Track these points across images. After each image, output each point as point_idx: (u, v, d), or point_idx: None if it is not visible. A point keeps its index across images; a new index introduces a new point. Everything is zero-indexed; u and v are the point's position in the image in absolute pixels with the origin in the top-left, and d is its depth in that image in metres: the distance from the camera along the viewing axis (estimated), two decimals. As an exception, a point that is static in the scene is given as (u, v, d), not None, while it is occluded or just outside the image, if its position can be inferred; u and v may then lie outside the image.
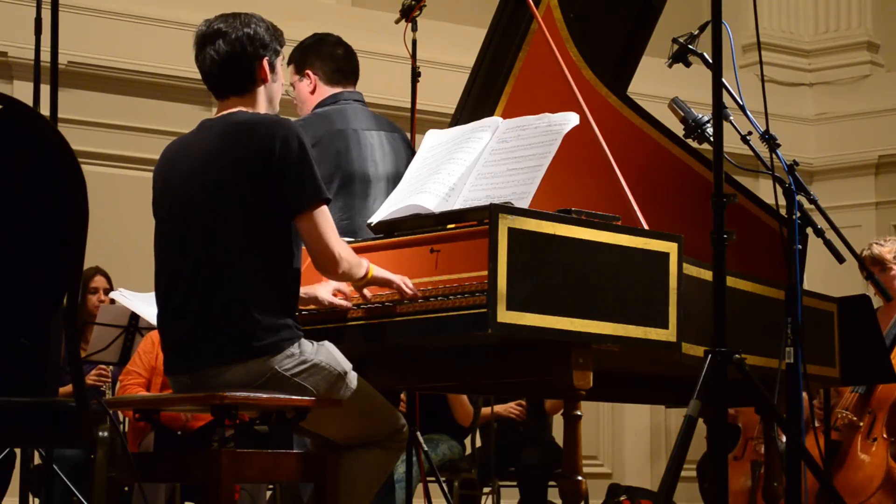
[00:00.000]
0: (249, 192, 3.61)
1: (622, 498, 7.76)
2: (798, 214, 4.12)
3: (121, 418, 5.97)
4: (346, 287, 3.88)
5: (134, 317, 6.13)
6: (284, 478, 3.85)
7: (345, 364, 3.71)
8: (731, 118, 4.07)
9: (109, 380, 6.32)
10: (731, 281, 3.99)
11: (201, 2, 7.39)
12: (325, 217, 3.64)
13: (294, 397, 3.58)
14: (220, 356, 3.60)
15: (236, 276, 3.60)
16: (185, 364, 3.66)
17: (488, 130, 3.97)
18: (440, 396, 6.35)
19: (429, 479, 5.93)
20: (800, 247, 4.10)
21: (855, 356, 4.86)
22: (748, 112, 4.29)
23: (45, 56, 4.70)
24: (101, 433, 2.83)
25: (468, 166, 3.89)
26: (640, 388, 4.71)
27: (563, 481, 3.70)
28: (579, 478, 3.69)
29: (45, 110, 4.61)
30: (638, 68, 4.79)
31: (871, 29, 9.95)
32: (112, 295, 6.12)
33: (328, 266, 3.67)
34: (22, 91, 6.94)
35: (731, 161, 3.99)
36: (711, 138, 4.09)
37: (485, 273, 3.50)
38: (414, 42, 5.09)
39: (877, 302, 5.68)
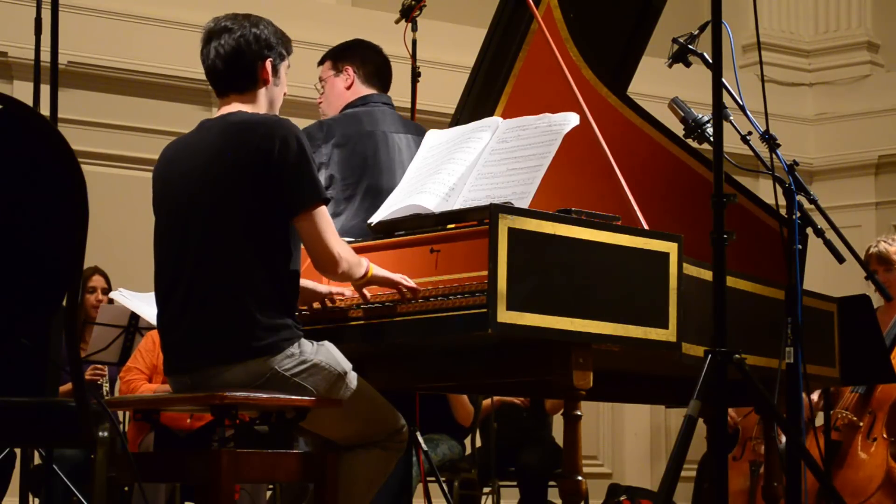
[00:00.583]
0: (249, 193, 3.61)
1: (622, 498, 7.76)
2: (798, 214, 4.11)
3: (121, 418, 5.97)
4: (343, 287, 3.88)
5: (134, 317, 6.13)
6: (284, 478, 3.85)
7: (345, 364, 3.71)
8: (731, 118, 4.07)
9: (105, 375, 6.32)
10: (731, 281, 3.99)
11: (201, 2, 7.41)
12: (324, 217, 3.64)
13: (294, 397, 3.58)
14: (219, 356, 3.60)
15: (236, 276, 3.60)
16: (185, 364, 3.66)
17: (488, 130, 3.97)
18: (440, 396, 6.35)
19: (429, 479, 5.93)
20: (800, 247, 4.10)
21: (855, 356, 4.86)
22: (748, 112, 4.29)
23: (45, 56, 4.70)
24: (101, 433, 2.83)
25: (468, 166, 3.89)
26: (640, 388, 4.71)
27: (563, 481, 3.70)
28: (579, 478, 3.69)
29: (45, 110, 4.61)
30: (638, 68, 4.79)
31: (871, 29, 9.95)
32: (112, 295, 6.12)
33: (328, 266, 3.67)
34: (22, 91, 6.95)
35: (731, 161, 3.99)
36: (711, 138, 4.09)
37: (485, 273, 3.50)
38: (414, 42, 5.09)
39: (876, 301, 5.67)
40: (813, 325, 4.54)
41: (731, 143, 4.03)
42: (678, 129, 4.43)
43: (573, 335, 3.61)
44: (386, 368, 4.12)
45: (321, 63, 4.76)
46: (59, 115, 4.82)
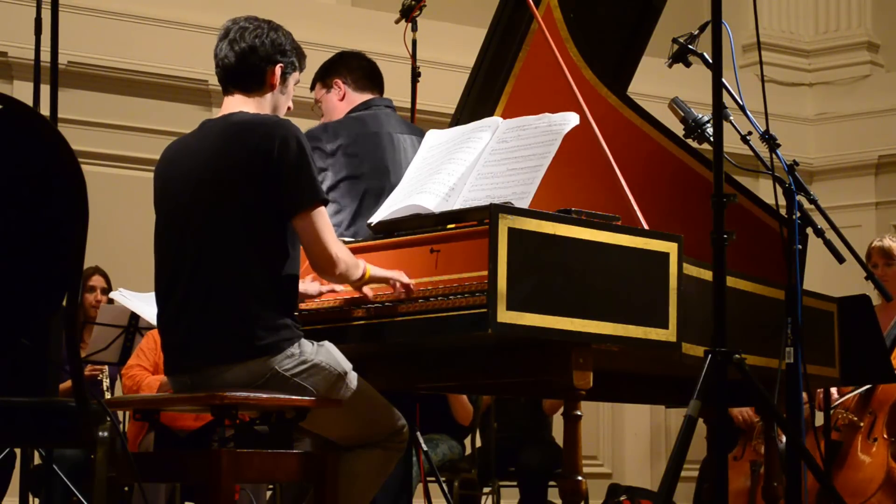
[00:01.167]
0: (249, 193, 3.61)
1: (622, 498, 7.75)
2: (798, 214, 4.11)
3: (120, 418, 5.97)
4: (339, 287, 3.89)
5: (134, 317, 6.13)
6: (284, 478, 3.85)
7: (345, 364, 3.71)
8: (731, 118, 4.07)
9: (105, 370, 6.32)
10: (731, 281, 3.99)
11: (201, 2, 7.41)
12: (322, 218, 3.64)
13: (294, 397, 3.58)
14: (220, 356, 3.60)
15: (236, 275, 3.60)
16: (185, 364, 3.67)
17: (488, 130, 3.97)
18: (440, 396, 6.35)
19: (429, 479, 5.93)
20: (800, 247, 4.10)
21: (855, 356, 4.86)
22: (748, 112, 4.29)
23: (45, 56, 4.71)
24: (101, 433, 2.83)
25: (468, 166, 3.89)
26: (640, 388, 4.71)
27: (563, 481, 3.70)
28: (579, 478, 3.69)
29: (45, 110, 4.62)
30: (638, 68, 4.79)
31: (871, 29, 9.95)
32: (112, 295, 6.12)
33: (325, 267, 3.67)
34: (22, 91, 6.95)
35: (731, 161, 3.99)
36: (711, 138, 4.09)
37: (485, 273, 3.50)
38: (414, 42, 5.10)
39: (875, 299, 5.67)
40: (813, 325, 4.53)
41: (731, 143, 4.03)
42: (678, 129, 4.43)
43: (573, 335, 3.61)
44: (386, 368, 4.12)
45: (312, 88, 4.81)
46: (59, 115, 4.82)
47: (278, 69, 3.79)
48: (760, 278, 4.34)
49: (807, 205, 4.29)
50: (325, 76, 4.81)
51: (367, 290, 3.76)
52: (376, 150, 4.61)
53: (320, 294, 3.93)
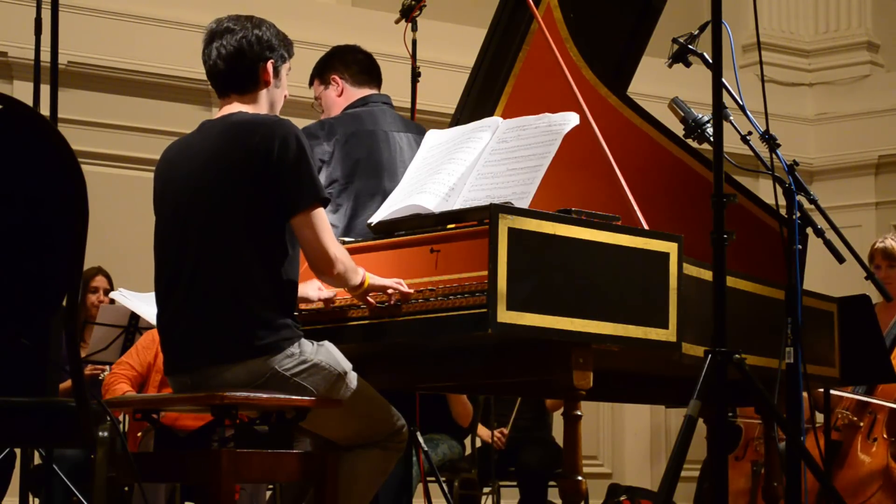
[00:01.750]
0: (248, 192, 3.61)
1: (622, 498, 7.76)
2: (798, 214, 4.11)
3: (120, 419, 5.97)
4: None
5: (134, 317, 6.13)
6: (284, 478, 3.85)
7: (345, 364, 3.71)
8: (731, 118, 4.07)
9: (106, 371, 6.32)
10: (731, 281, 3.99)
11: (201, 2, 7.41)
12: (321, 218, 3.64)
13: (294, 397, 3.58)
14: (220, 355, 3.60)
15: (236, 275, 3.60)
16: (185, 364, 3.66)
17: (488, 130, 3.97)
18: (440, 396, 6.35)
19: (429, 479, 5.93)
20: (800, 247, 4.10)
21: (855, 356, 4.86)
22: (748, 112, 4.29)
23: (45, 56, 4.70)
24: (101, 433, 2.83)
25: (468, 166, 3.89)
26: (640, 388, 4.71)
27: (563, 481, 3.70)
28: (579, 478, 3.69)
29: (45, 110, 4.61)
30: (638, 68, 4.79)
31: (871, 29, 9.95)
32: (112, 295, 6.12)
33: (323, 267, 3.66)
34: (22, 91, 6.95)
35: (731, 161, 3.99)
36: (711, 138, 4.09)
37: (485, 273, 3.50)
38: (414, 42, 5.10)
39: (875, 298, 5.67)
40: (813, 325, 4.53)
41: (731, 143, 4.03)
42: (678, 129, 4.43)
43: (573, 335, 3.61)
44: (386, 368, 4.12)
45: (311, 84, 4.81)
46: (59, 115, 4.82)
47: (270, 66, 3.79)
48: (760, 278, 4.34)
49: (807, 205, 4.29)
50: (322, 72, 4.80)
51: (370, 298, 3.74)
52: (371, 148, 4.60)
53: (319, 300, 3.92)
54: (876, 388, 6.01)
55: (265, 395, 3.54)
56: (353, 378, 3.71)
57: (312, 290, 3.91)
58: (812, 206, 4.35)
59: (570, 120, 3.82)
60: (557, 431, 4.96)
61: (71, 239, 2.78)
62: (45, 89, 4.73)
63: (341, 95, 4.75)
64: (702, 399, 3.65)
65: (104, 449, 2.83)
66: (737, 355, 3.67)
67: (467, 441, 6.75)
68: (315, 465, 3.62)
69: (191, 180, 3.69)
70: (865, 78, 9.84)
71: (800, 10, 10.01)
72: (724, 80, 3.84)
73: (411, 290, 3.67)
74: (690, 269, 3.92)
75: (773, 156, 4.17)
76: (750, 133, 4.30)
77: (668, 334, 3.80)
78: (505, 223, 3.50)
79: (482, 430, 6.71)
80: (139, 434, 5.71)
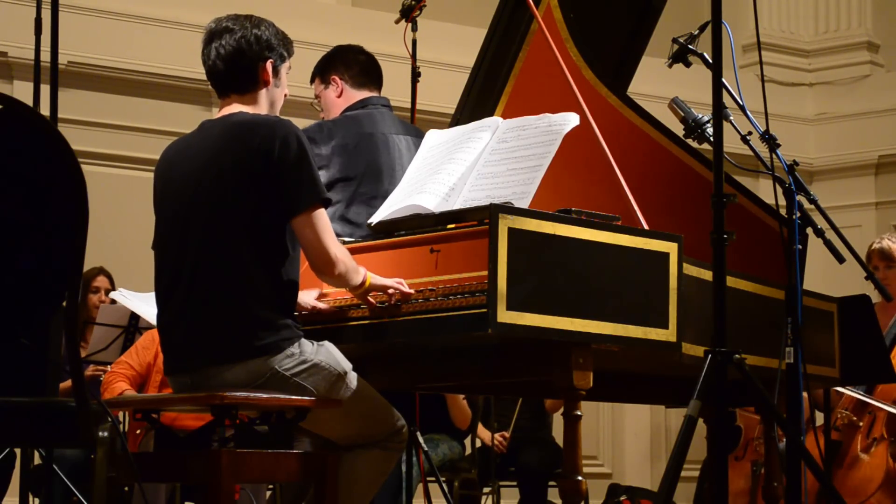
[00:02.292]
0: (249, 192, 3.61)
1: (622, 498, 7.76)
2: (798, 214, 4.11)
3: (121, 419, 5.97)
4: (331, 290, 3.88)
5: (134, 317, 6.13)
6: (284, 478, 3.85)
7: (345, 364, 3.71)
8: (731, 118, 4.07)
9: (106, 371, 6.32)
10: (731, 281, 3.99)
11: (201, 2, 7.41)
12: (322, 218, 3.64)
13: (294, 397, 3.58)
14: (220, 355, 3.60)
15: (236, 275, 3.60)
16: (185, 364, 3.66)
17: (488, 130, 3.97)
18: (440, 396, 6.35)
19: (429, 479, 5.93)
20: (800, 247, 4.10)
21: (855, 356, 4.86)
22: (748, 112, 4.29)
23: (45, 56, 4.70)
24: (101, 433, 2.83)
25: (468, 166, 3.89)
26: (640, 388, 4.71)
27: (563, 481, 3.70)
28: (579, 478, 3.69)
29: (45, 110, 4.62)
30: (638, 68, 4.79)
31: (871, 29, 9.95)
32: (112, 295, 6.12)
33: (324, 267, 3.66)
34: (22, 91, 6.95)
35: (731, 161, 3.99)
36: (711, 138, 4.09)
37: (485, 273, 3.50)
38: (414, 42, 5.10)
39: (874, 298, 5.67)
40: (813, 325, 4.54)
41: (731, 143, 4.03)
42: (678, 129, 4.43)
43: (573, 335, 3.61)
44: (386, 368, 4.12)
45: (312, 82, 4.81)
46: (59, 115, 4.82)
47: (269, 65, 3.79)
48: (760, 278, 4.34)
49: (807, 205, 4.29)
50: (323, 72, 4.80)
51: (371, 298, 3.74)
52: (370, 150, 4.60)
53: (313, 308, 3.91)
54: (876, 388, 6.01)
55: (265, 395, 3.54)
56: (353, 378, 3.71)
57: (308, 298, 3.89)
58: (812, 206, 4.35)
59: (570, 120, 3.82)
60: (557, 431, 4.96)
61: (71, 239, 2.78)
62: (45, 89, 4.73)
63: (340, 96, 4.75)
64: (702, 399, 3.65)
65: (104, 449, 2.83)
66: (737, 355, 3.67)
67: (467, 441, 6.75)
68: (315, 465, 3.62)
69: (191, 180, 3.69)
70: (865, 78, 9.84)
71: (800, 10, 10.00)
72: (724, 80, 3.84)
73: (412, 291, 3.67)
74: (690, 269, 3.92)
75: (773, 156, 4.17)
76: (750, 133, 4.30)
77: (668, 334, 3.80)
78: (505, 223, 3.50)
79: (483, 433, 6.71)
80: (138, 431, 5.71)
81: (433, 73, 6.74)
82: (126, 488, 4.86)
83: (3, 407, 2.83)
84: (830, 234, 4.41)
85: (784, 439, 4.20)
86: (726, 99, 3.87)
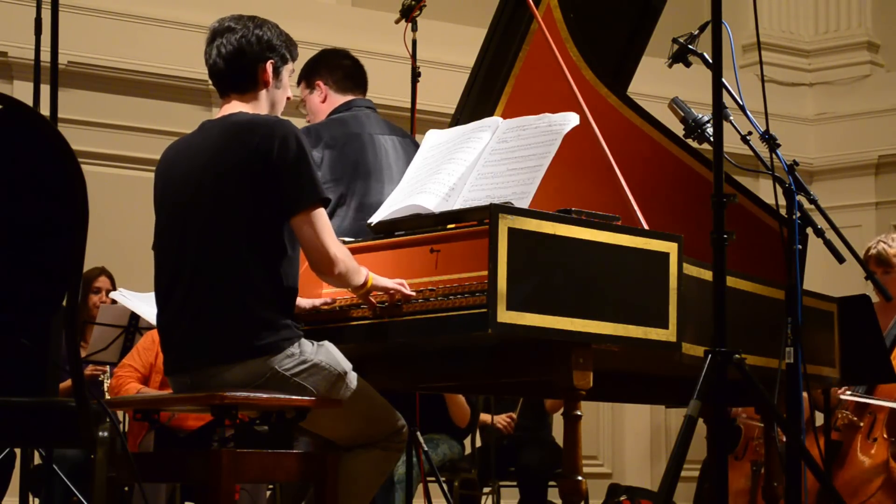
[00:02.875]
0: (248, 192, 3.61)
1: (622, 498, 7.76)
2: (798, 214, 4.11)
3: (121, 418, 5.97)
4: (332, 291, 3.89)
5: (134, 317, 6.14)
6: (284, 478, 3.85)
7: (345, 364, 3.71)
8: (731, 118, 4.07)
9: (106, 371, 6.33)
10: (731, 281, 3.99)
11: (201, 2, 7.41)
12: (321, 218, 3.63)
13: (294, 397, 3.58)
14: (220, 355, 3.60)
15: (236, 275, 3.60)
16: (185, 364, 3.66)
17: (488, 130, 3.97)
18: (440, 396, 6.35)
19: (429, 479, 5.93)
20: (800, 247, 4.10)
21: (855, 356, 4.86)
22: (748, 112, 4.29)
23: (45, 56, 4.71)
24: (101, 433, 2.83)
25: (468, 166, 3.89)
26: (640, 388, 4.71)
27: (563, 481, 3.70)
28: (579, 478, 3.69)
29: (45, 110, 4.62)
30: (638, 68, 4.80)
31: (871, 29, 9.95)
32: (112, 295, 6.13)
33: (324, 268, 3.66)
34: (22, 91, 6.95)
35: (731, 161, 3.99)
36: (711, 138, 4.09)
37: (485, 273, 3.50)
38: (414, 42, 5.10)
39: (874, 298, 5.67)
40: (813, 325, 4.53)
41: (731, 143, 4.03)
42: (678, 129, 4.43)
43: (573, 335, 3.61)
44: (386, 368, 4.12)
45: (298, 84, 4.82)
46: (59, 115, 4.82)
47: (269, 66, 3.79)
48: (760, 278, 4.34)
49: (807, 205, 4.29)
50: (307, 76, 4.83)
51: (372, 298, 3.74)
52: (357, 151, 4.62)
53: (313, 307, 3.91)
54: (876, 389, 6.01)
55: (265, 395, 3.54)
56: (353, 378, 3.71)
57: (305, 303, 3.89)
58: (812, 206, 4.35)
59: (570, 120, 3.82)
60: (557, 431, 4.96)
61: (71, 239, 2.78)
62: (45, 89, 4.73)
63: (325, 101, 4.78)
64: (702, 399, 3.65)
65: (104, 449, 2.83)
66: (737, 355, 3.67)
67: (467, 441, 6.75)
68: (315, 465, 3.62)
69: (191, 180, 3.69)
70: (865, 78, 9.84)
71: (800, 10, 10.01)
72: (724, 80, 3.84)
73: (413, 293, 3.67)
74: (690, 269, 3.92)
75: (773, 156, 4.17)
76: (750, 133, 4.30)
77: (668, 334, 3.80)
78: (505, 223, 3.50)
79: (485, 416, 6.70)
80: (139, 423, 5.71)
81: (433, 73, 6.74)
82: (126, 488, 4.86)
83: (3, 407, 2.82)
84: (830, 234, 4.42)
85: (784, 439, 4.20)
86: (726, 99, 3.88)
